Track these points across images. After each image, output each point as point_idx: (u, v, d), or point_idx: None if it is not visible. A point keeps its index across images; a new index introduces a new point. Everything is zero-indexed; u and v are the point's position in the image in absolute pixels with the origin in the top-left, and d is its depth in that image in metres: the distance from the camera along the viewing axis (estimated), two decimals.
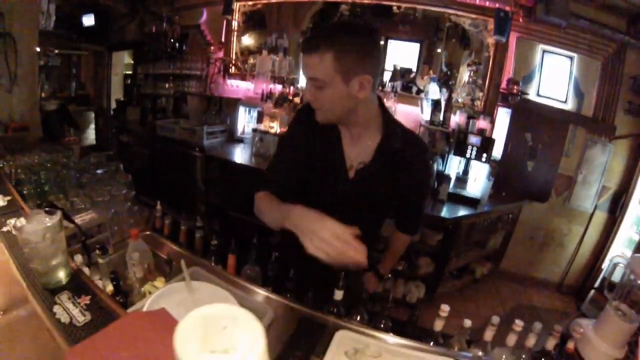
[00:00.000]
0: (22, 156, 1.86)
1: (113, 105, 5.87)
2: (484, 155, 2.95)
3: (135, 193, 1.82)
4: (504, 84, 3.17)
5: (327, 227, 0.81)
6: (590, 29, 3.10)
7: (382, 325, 1.11)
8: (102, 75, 6.02)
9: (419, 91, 3.35)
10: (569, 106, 3.38)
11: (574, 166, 3.45)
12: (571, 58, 3.28)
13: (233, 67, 4.11)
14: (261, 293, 1.14)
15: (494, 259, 3.48)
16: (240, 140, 3.85)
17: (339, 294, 1.03)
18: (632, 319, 0.98)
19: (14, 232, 1.07)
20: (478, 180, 3.10)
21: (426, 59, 3.60)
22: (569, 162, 3.44)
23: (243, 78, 4.02)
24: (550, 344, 0.92)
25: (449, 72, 3.41)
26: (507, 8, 2.97)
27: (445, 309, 0.97)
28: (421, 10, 3.44)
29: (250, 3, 3.92)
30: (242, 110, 3.89)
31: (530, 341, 0.92)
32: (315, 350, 0.88)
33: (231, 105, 3.99)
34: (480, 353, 0.95)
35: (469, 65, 3.23)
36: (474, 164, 3.13)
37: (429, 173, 1.26)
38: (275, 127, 3.45)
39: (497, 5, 2.99)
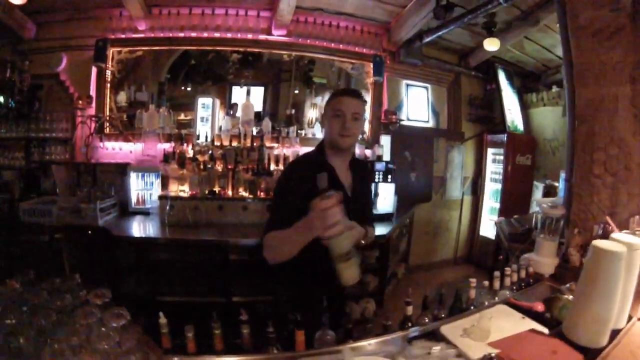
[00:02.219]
0: None
1: None
2: (389, 176, 3.42)
3: None
4: (383, 116, 3.74)
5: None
6: (437, 65, 4.04)
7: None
8: None
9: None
10: (430, 124, 4.29)
11: (443, 168, 4.40)
12: (427, 88, 4.19)
13: (109, 127, 3.57)
14: (354, 345, 1.12)
15: (405, 259, 4.10)
16: (141, 213, 3.31)
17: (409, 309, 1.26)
18: (553, 238, 1.73)
19: None
20: (387, 198, 3.57)
21: (272, 101, 3.66)
22: (439, 166, 4.36)
23: (125, 138, 3.54)
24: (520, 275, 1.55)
25: (293, 111, 3.57)
26: (379, 53, 3.55)
27: (473, 280, 1.34)
28: (267, 54, 3.52)
29: (126, 49, 3.46)
30: (132, 176, 3.39)
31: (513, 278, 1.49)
32: None
33: (111, 172, 3.42)
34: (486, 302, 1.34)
35: None
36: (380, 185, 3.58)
37: None
38: (187, 191, 3.21)
39: (372, 51, 3.53)
